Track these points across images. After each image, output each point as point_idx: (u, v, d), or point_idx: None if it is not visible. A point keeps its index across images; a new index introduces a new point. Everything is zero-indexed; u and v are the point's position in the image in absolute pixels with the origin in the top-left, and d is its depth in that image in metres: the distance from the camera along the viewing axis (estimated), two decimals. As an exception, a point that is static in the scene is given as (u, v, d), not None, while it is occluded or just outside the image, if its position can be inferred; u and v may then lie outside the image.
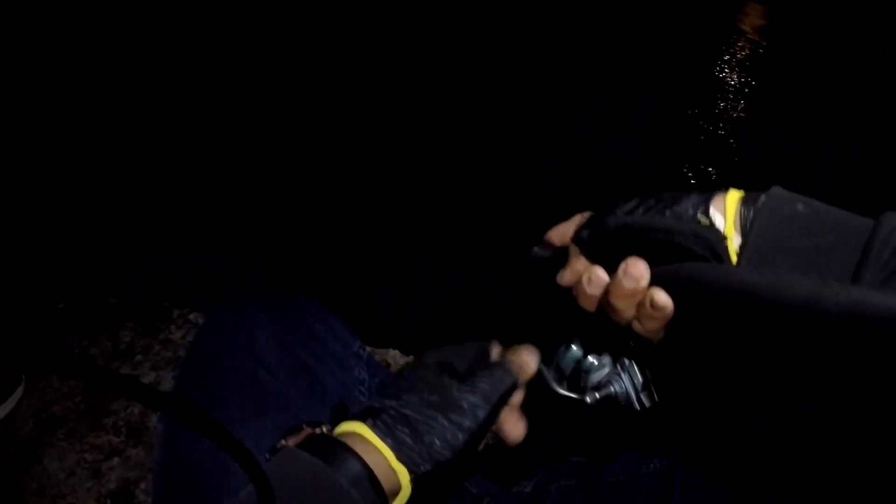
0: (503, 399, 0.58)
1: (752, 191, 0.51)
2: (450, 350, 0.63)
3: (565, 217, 0.62)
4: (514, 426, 0.62)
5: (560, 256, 0.59)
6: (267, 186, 1.82)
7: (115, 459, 1.18)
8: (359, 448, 0.51)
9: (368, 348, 0.97)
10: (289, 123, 1.98)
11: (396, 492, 0.52)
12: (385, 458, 0.51)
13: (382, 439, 0.52)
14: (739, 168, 1.85)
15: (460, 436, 0.54)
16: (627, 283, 0.52)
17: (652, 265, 0.52)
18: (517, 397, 0.62)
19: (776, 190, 0.50)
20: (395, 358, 1.33)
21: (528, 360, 0.62)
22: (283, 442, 0.56)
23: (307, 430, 0.56)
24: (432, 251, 1.62)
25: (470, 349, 0.63)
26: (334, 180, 1.84)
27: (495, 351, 0.64)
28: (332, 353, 0.73)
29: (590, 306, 0.56)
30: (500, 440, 0.63)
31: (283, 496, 0.47)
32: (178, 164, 1.88)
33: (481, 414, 0.55)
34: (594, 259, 0.56)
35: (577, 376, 0.64)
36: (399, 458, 0.51)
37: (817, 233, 0.47)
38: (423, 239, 1.66)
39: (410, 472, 0.52)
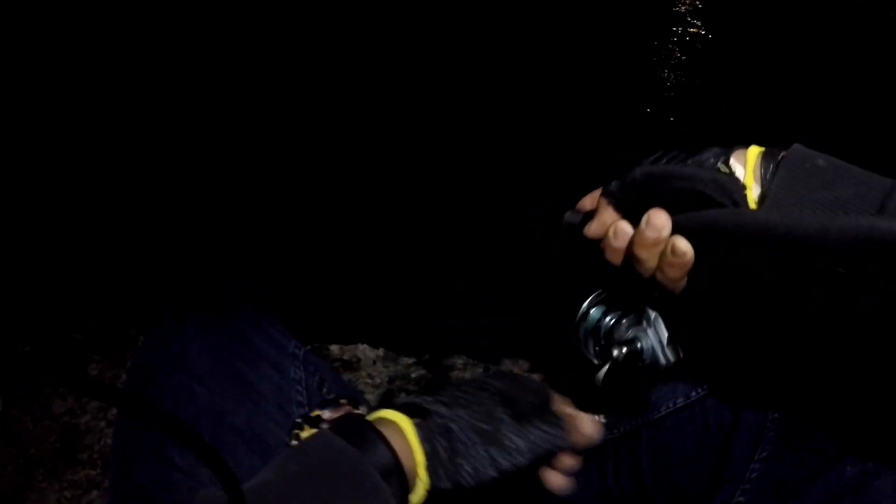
0: (548, 456, 0.58)
1: (772, 147, 0.54)
2: (517, 382, 0.62)
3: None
4: (556, 479, 0.61)
5: (590, 219, 0.61)
6: (259, 191, 1.80)
7: (94, 493, 1.18)
8: (392, 440, 0.51)
9: (334, 347, 0.94)
10: (288, 132, 1.96)
11: (414, 495, 0.52)
12: (416, 462, 0.52)
13: (421, 443, 0.52)
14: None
15: (491, 472, 0.54)
16: (650, 233, 0.53)
17: (674, 215, 0.54)
18: (569, 461, 0.61)
19: (797, 146, 0.52)
20: (365, 352, 1.32)
21: (588, 430, 0.61)
22: (318, 412, 0.56)
23: (346, 407, 0.57)
24: (431, 257, 1.60)
25: (537, 389, 0.62)
26: (335, 183, 1.82)
27: (559, 404, 0.62)
28: (266, 357, 0.72)
29: (616, 259, 0.57)
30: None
31: (317, 481, 0.48)
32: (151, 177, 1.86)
33: (520, 461, 0.55)
34: (621, 213, 0.58)
35: (604, 334, 0.65)
36: (427, 467, 0.52)
37: (837, 186, 0.48)
38: (420, 242, 1.64)
39: (432, 483, 0.52)
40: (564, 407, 0.62)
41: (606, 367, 0.62)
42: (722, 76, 1.95)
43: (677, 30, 2.03)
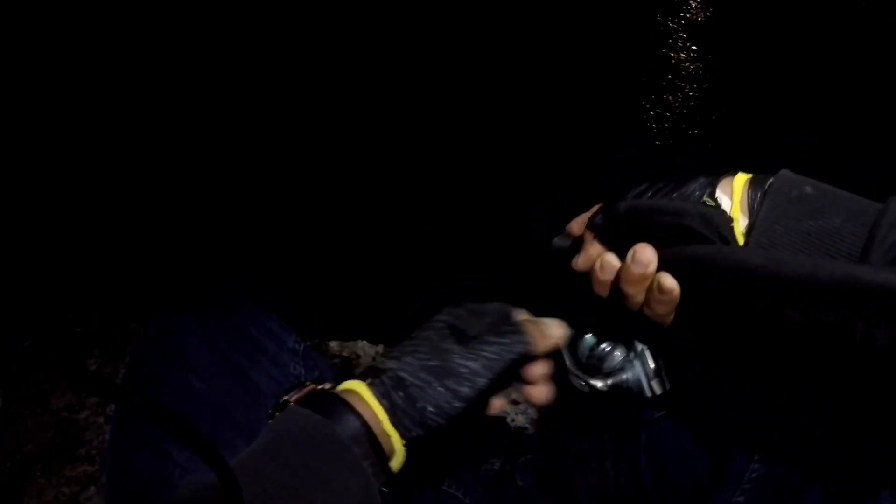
0: (511, 368, 0.57)
1: (759, 174, 0.53)
2: (466, 311, 0.60)
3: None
4: (537, 392, 0.61)
5: (579, 246, 0.60)
6: (254, 192, 1.79)
7: (92, 488, 1.17)
8: (357, 406, 0.52)
9: (333, 343, 0.93)
10: (289, 132, 1.95)
11: (391, 453, 0.52)
12: (379, 420, 0.52)
13: (379, 400, 0.53)
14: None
15: (455, 403, 0.53)
16: (636, 269, 0.52)
17: (661, 250, 0.53)
18: (539, 368, 0.60)
19: (785, 173, 0.51)
20: (364, 348, 1.32)
21: (553, 330, 0.60)
22: (285, 397, 0.56)
23: (310, 386, 0.57)
24: (430, 259, 1.59)
25: (490, 312, 0.60)
26: (336, 183, 1.82)
27: (519, 317, 0.60)
28: (266, 352, 0.72)
29: (603, 292, 0.57)
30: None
31: (287, 450, 0.49)
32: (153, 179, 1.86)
33: (481, 382, 0.54)
34: (608, 245, 0.57)
35: (590, 363, 0.64)
36: (392, 421, 0.52)
37: (825, 214, 0.48)
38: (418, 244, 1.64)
39: (402, 435, 0.52)
40: (525, 316, 0.61)
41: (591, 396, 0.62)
42: (722, 76, 1.95)
43: (678, 29, 2.03)
